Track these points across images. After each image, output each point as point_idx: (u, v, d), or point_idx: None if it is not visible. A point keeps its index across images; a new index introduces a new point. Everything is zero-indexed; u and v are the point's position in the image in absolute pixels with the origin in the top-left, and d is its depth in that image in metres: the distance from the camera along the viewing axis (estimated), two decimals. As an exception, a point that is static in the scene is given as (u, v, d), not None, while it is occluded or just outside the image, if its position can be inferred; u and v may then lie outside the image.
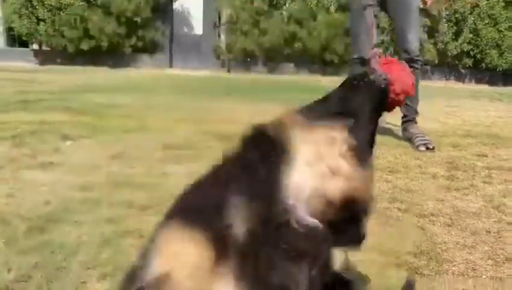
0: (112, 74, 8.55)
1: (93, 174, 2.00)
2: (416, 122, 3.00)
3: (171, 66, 10.20)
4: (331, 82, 7.08)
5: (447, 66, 9.86)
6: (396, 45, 3.02)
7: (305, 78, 9.29)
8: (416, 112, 3.00)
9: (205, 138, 2.88)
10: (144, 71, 9.27)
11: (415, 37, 2.90)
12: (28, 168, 2.04)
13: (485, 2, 9.26)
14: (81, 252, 1.27)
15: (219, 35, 10.31)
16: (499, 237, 1.52)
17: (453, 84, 9.40)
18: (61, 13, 9.12)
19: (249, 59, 10.19)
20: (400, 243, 1.45)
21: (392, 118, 3.07)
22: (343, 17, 9.62)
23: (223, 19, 10.13)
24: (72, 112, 3.65)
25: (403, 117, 3.04)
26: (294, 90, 6.80)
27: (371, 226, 1.56)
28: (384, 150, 2.74)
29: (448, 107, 5.23)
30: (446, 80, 9.89)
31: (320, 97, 0.99)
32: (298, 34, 9.70)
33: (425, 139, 2.81)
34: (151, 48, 10.02)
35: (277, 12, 9.73)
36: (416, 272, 1.27)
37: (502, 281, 1.26)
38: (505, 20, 9.22)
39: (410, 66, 2.94)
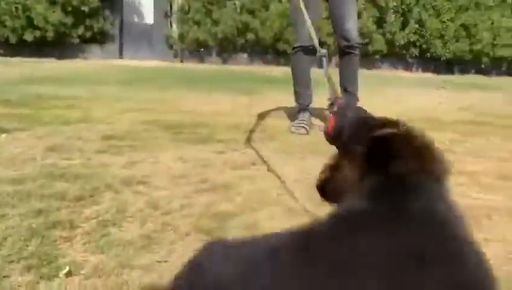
0: (58, 65, 8.19)
1: (27, 166, 1.92)
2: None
3: (121, 56, 9.92)
4: (284, 72, 7.15)
5: (395, 55, 10.19)
6: (334, 33, 3.08)
7: (259, 68, 9.31)
8: (357, 99, 3.09)
9: (150, 128, 2.84)
10: (93, 62, 8.95)
11: (354, 25, 2.99)
12: (-45, 162, 1.93)
13: (429, -6, 9.63)
14: (6, 246, 1.22)
15: (171, 25, 10.12)
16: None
17: (401, 73, 9.73)
18: (1, 2, 8.62)
19: (202, 49, 10.08)
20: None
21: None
22: (295, 7, 9.67)
23: (175, 8, 9.95)
24: (11, 105, 3.48)
25: None
26: (247, 80, 6.80)
27: (307, 207, 1.61)
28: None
29: (395, 95, 5.41)
30: (395, 69, 10.22)
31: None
32: (251, 25, 9.69)
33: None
34: (100, 38, 9.69)
35: (230, 3, 9.66)
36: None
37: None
38: (447, 11, 9.62)
39: (351, 53, 3.04)
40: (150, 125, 2.95)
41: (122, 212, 1.51)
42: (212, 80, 6.63)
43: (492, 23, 9.90)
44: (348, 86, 3.06)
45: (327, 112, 1.11)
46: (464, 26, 9.77)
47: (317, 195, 1.60)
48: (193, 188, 1.78)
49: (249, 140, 2.58)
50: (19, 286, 1.06)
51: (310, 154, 2.34)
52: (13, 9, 8.55)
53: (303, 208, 1.60)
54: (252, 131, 2.86)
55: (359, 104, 3.10)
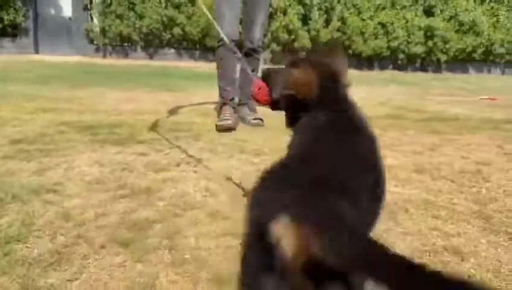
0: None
1: None
2: (247, 104, 3.28)
3: (37, 51, 9.23)
4: (212, 68, 7.09)
5: (320, 51, 10.53)
6: (243, 33, 3.19)
7: (186, 64, 9.14)
8: (249, 98, 3.16)
9: (64, 130, 2.64)
10: (5, 57, 8.22)
11: (261, 31, 3.20)
12: None
13: (350, -8, 10.05)
14: None
15: (91, 18, 9.60)
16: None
17: (325, 69, 10.07)
18: None
19: (126, 44, 9.69)
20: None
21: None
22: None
23: (95, 1, 9.45)
24: None
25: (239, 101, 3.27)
26: (173, 76, 6.63)
27: (230, 211, 1.57)
28: (254, 134, 2.79)
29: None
30: (319, 65, 10.58)
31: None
32: (177, 19, 9.48)
33: (256, 117, 3.11)
34: (11, 31, 8.94)
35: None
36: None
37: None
38: (367, 9, 10.11)
39: (252, 55, 3.19)
40: (64, 126, 2.75)
41: (28, 226, 1.37)
42: (136, 76, 6.37)
43: (407, 22, 10.57)
44: (244, 86, 3.16)
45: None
46: (382, 24, 10.33)
47: (241, 197, 1.56)
48: (110, 195, 1.67)
49: (167, 140, 2.50)
50: None
51: (237, 153, 2.31)
52: None
53: (227, 211, 1.56)
54: (176, 130, 2.77)
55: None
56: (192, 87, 5.25)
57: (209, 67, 8.62)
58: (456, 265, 1.25)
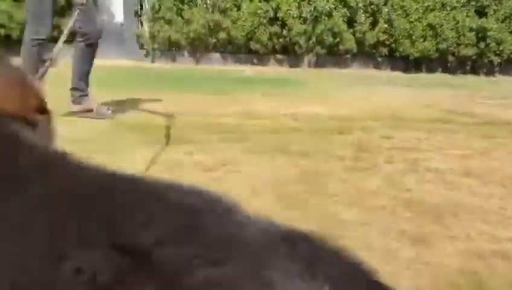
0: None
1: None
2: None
3: (90, 56, 9.70)
4: (256, 71, 7.10)
5: (365, 54, 10.37)
6: None
7: (231, 67, 9.30)
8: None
9: (118, 130, 2.79)
10: (62, 61, 8.71)
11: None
12: None
13: (397, -6, 9.85)
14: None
15: (141, 24, 9.98)
16: (393, 213, 1.63)
17: (370, 72, 9.91)
18: (-39, -1, 8.30)
19: (174, 49, 9.98)
20: (303, 224, 1.50)
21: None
22: (267, 6, 9.73)
23: (145, 7, 9.82)
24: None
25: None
26: (218, 80, 6.78)
27: (279, 210, 1.61)
28: (299, 136, 2.82)
29: (362, 93, 5.50)
30: (365, 68, 10.40)
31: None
32: (223, 24, 9.66)
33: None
34: (70, 38, 9.45)
35: (201, 1, 9.60)
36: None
37: (392, 253, 1.36)
38: (415, 11, 9.86)
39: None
40: (119, 126, 2.90)
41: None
42: (184, 80, 6.57)
43: (457, 23, 10.20)
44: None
45: None
46: (430, 26, 10.04)
47: (287, 197, 1.60)
48: (162, 191, 1.75)
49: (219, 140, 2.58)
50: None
51: (281, 155, 2.35)
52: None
53: (273, 210, 1.61)
54: (222, 131, 2.85)
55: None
56: (238, 90, 5.35)
57: (254, 70, 8.73)
58: (505, 270, 1.23)
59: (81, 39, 3.18)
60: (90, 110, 3.13)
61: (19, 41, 9.40)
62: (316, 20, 10.27)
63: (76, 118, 3.07)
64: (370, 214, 1.61)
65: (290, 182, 1.92)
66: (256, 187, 1.84)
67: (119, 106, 3.49)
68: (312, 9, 10.09)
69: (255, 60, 10.46)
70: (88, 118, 3.08)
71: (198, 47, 9.94)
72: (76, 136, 2.53)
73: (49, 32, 3.00)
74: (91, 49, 3.23)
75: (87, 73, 3.28)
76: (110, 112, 3.18)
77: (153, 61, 9.71)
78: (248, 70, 8.83)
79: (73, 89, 3.23)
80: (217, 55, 10.24)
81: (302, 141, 2.66)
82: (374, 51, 10.19)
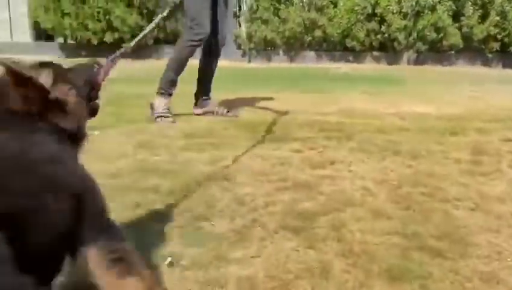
0: (135, 65, 8.66)
1: (120, 162, 2.07)
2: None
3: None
4: (352, 69, 6.97)
5: (473, 50, 9.60)
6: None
7: (326, 65, 9.21)
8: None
9: (227, 127, 2.93)
10: (165, 62, 9.33)
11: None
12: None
13: (513, -17, 8.97)
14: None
15: (239, 25, 10.30)
16: (524, 221, 1.51)
17: (478, 69, 9.16)
18: (84, 6, 9.27)
19: (269, 48, 10.15)
20: (422, 227, 1.45)
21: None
22: (365, 3, 9.48)
23: (243, 8, 10.12)
24: (97, 103, 3.74)
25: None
26: (315, 78, 6.76)
27: (393, 210, 1.58)
28: (408, 136, 2.72)
29: (472, 92, 5.10)
30: (471, 64, 9.65)
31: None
32: (319, 22, 9.60)
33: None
34: (172, 39, 10.09)
35: (298, 0, 9.65)
36: (439, 256, 1.27)
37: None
38: (533, 1, 8.89)
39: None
40: (227, 123, 3.04)
41: (211, 208, 1.58)
42: (280, 78, 6.66)
43: None
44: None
45: None
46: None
47: (402, 199, 1.56)
48: (275, 186, 1.81)
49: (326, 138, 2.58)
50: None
51: (391, 155, 2.28)
52: (95, 13, 9.17)
53: (389, 212, 1.58)
54: (326, 129, 2.85)
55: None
56: (336, 88, 5.30)
57: (350, 68, 8.56)
58: None
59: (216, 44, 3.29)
60: (211, 112, 3.32)
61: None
62: (417, 14, 9.75)
63: (196, 117, 3.29)
64: (498, 220, 1.50)
65: (404, 184, 1.86)
66: (368, 187, 1.82)
67: (228, 105, 3.65)
68: (414, 3, 9.60)
69: (350, 58, 10.25)
70: (207, 117, 3.28)
71: (293, 45, 10.00)
72: (194, 132, 2.71)
73: (207, 35, 3.11)
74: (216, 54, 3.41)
75: (212, 76, 3.48)
76: (226, 111, 3.35)
77: (249, 61, 9.98)
78: (344, 67, 8.67)
79: (199, 92, 3.44)
80: (312, 53, 10.21)
81: (412, 141, 2.56)
82: (483, 46, 9.40)
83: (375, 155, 2.29)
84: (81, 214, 0.78)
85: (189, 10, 3.12)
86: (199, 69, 3.48)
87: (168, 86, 3.17)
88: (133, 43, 1.55)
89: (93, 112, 1.01)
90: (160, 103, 3.11)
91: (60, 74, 0.85)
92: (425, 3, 9.38)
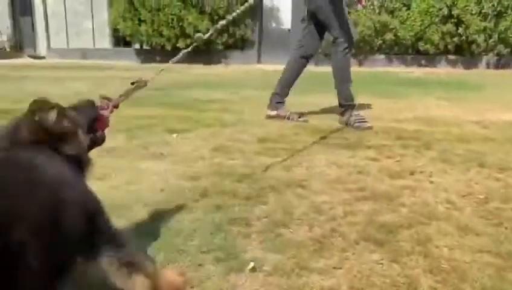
0: (206, 70, 8.94)
1: (198, 164, 2.14)
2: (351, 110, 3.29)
3: (259, 61, 10.38)
4: (425, 73, 6.71)
5: None
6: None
7: (397, 69, 8.90)
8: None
9: (299, 132, 2.92)
10: (235, 67, 9.55)
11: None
12: (142, 158, 2.24)
13: None
14: (196, 237, 1.37)
15: (307, 29, 10.27)
16: None
17: None
18: (160, 14, 9.74)
19: (337, 52, 9.98)
20: (515, 246, 1.35)
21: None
22: (441, 4, 9.07)
23: (312, 12, 10.07)
24: (175, 107, 3.91)
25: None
26: (387, 83, 6.56)
27: (482, 227, 1.48)
28: (493, 146, 2.55)
29: None
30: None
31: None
32: (390, 24, 9.33)
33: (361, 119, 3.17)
34: (241, 44, 10.29)
35: (368, 2, 9.43)
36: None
37: None
38: None
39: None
40: (297, 128, 3.03)
41: (289, 214, 1.58)
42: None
43: None
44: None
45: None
46: None
47: (491, 214, 1.46)
48: (353, 195, 1.78)
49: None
50: (212, 275, 1.18)
51: (475, 166, 2.15)
52: (169, 20, 9.59)
53: (475, 227, 1.48)
54: (402, 137, 2.75)
55: None
56: (409, 93, 5.10)
57: (423, 72, 8.24)
58: None
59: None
60: (284, 116, 3.36)
61: (202, 50, 10.44)
62: (499, 15, 9.13)
63: (267, 121, 3.33)
64: None
65: (492, 198, 1.74)
66: (452, 200, 1.73)
67: (298, 108, 3.64)
68: (495, 3, 9.01)
69: (422, 61, 9.85)
70: (277, 121, 3.31)
71: (363, 49, 9.78)
72: (266, 137, 2.74)
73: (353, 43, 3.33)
74: (304, 60, 3.55)
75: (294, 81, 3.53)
76: (299, 117, 3.37)
77: (316, 64, 9.91)
78: (416, 71, 8.33)
79: (279, 93, 3.49)
80: (382, 57, 9.93)
81: (498, 152, 2.40)
82: None
83: (458, 166, 2.17)
84: (91, 229, 0.89)
85: (332, 20, 3.26)
86: (286, 70, 3.54)
87: (350, 99, 3.34)
88: (207, 35, 1.73)
89: (96, 141, 1.11)
90: (352, 114, 3.25)
91: (61, 112, 0.95)
92: (509, 3, 8.77)
